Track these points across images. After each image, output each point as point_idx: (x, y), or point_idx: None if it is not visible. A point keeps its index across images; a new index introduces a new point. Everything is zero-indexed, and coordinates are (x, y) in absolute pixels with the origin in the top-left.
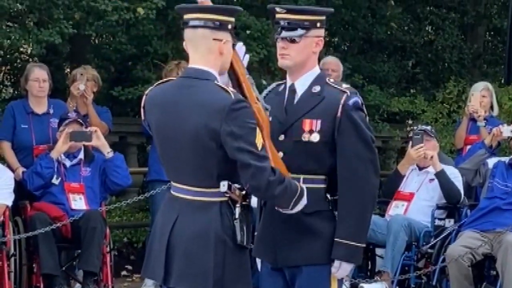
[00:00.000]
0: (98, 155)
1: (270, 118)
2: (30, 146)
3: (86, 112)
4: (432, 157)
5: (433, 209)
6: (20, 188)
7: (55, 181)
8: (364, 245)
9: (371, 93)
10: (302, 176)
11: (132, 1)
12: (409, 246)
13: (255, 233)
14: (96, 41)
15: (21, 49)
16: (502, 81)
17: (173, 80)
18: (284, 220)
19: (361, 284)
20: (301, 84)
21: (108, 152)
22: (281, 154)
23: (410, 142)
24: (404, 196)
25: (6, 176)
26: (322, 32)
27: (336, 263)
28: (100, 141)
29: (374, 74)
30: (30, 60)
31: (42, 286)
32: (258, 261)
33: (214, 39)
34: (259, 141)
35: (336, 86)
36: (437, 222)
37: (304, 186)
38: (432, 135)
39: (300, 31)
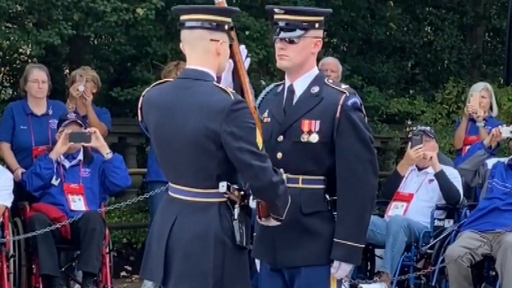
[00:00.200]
0: (97, 156)
1: (269, 119)
2: (29, 147)
3: (85, 113)
4: (431, 157)
5: (432, 209)
6: (19, 189)
7: (55, 182)
8: (363, 246)
9: (370, 94)
10: (301, 177)
11: (131, 2)
12: (409, 247)
13: (254, 234)
14: (95, 42)
15: (20, 50)
16: (501, 81)
17: (171, 81)
18: (283, 221)
19: (361, 285)
20: (300, 84)
21: (107, 153)
22: (280, 154)
23: (410, 143)
24: (404, 197)
25: (6, 177)
26: (320, 33)
27: (335, 263)
28: (99, 142)
29: (373, 75)
30: (29, 61)
31: (41, 287)
32: (257, 262)
33: (211, 40)
34: (259, 141)
35: (334, 86)
36: (437, 222)
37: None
38: (432, 136)
39: (298, 32)
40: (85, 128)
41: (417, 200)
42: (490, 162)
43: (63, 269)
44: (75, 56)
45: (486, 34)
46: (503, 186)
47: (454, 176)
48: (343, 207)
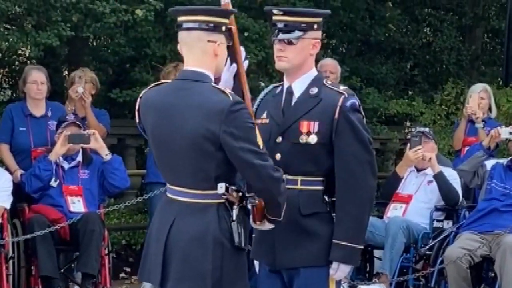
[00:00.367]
0: (96, 158)
1: (268, 120)
2: (28, 148)
3: (84, 114)
4: (430, 159)
5: (431, 211)
6: (18, 190)
7: (54, 183)
8: (362, 247)
9: (369, 96)
10: (299, 178)
11: (130, 3)
12: (408, 248)
13: (253, 235)
14: (94, 43)
15: (19, 52)
16: (500, 82)
17: (169, 83)
18: (282, 222)
19: (360, 286)
20: (299, 86)
21: (106, 154)
22: (278, 156)
23: (408, 144)
24: (402, 198)
25: (5, 179)
26: (319, 34)
27: (334, 264)
28: (98, 144)
29: (372, 76)
30: (28, 62)
31: None
32: (256, 263)
33: (208, 41)
34: (260, 140)
35: (333, 87)
36: (435, 224)
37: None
38: (430, 137)
39: (297, 33)
40: (84, 130)
41: (416, 201)
42: (489, 163)
43: (62, 270)
44: (74, 58)
45: (485, 35)
46: (502, 187)
47: (453, 177)
48: (342, 208)
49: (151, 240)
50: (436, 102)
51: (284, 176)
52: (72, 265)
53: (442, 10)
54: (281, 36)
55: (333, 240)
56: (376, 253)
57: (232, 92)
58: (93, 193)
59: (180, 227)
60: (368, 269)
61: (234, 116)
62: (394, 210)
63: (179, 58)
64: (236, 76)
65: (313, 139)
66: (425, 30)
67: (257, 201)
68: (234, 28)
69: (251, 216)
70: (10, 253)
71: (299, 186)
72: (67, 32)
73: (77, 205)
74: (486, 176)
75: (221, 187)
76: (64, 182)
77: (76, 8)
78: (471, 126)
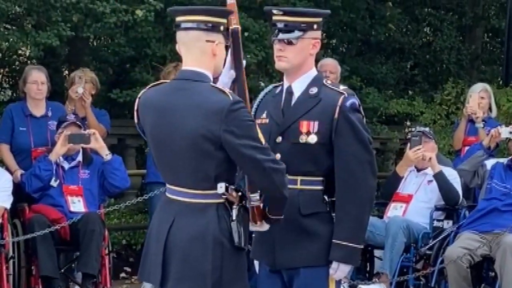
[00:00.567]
0: (96, 158)
1: (267, 120)
2: (28, 148)
3: (84, 114)
4: (430, 158)
5: (431, 210)
6: (18, 190)
7: (54, 183)
8: (362, 247)
9: (369, 95)
10: (299, 178)
11: (130, 3)
12: (408, 248)
13: (253, 235)
14: (94, 44)
15: (19, 52)
16: (501, 82)
17: (168, 83)
18: (282, 222)
19: (360, 286)
20: (298, 86)
21: (106, 154)
22: (278, 156)
23: (408, 144)
24: (403, 198)
25: (5, 179)
26: (319, 34)
27: (334, 264)
28: (98, 144)
29: (372, 76)
30: (28, 62)
31: None
32: (256, 263)
33: (207, 41)
34: (261, 136)
35: (333, 87)
36: (436, 223)
37: None
38: (431, 137)
39: (297, 33)
40: (84, 130)
41: (416, 201)
42: (489, 163)
43: (62, 270)
44: (74, 58)
45: (485, 34)
46: (502, 187)
47: (453, 177)
48: (341, 208)
49: (151, 240)
50: (436, 101)
51: None
52: (73, 265)
53: (442, 10)
54: (281, 36)
55: (333, 240)
56: (376, 253)
57: (232, 92)
58: (93, 193)
59: (180, 227)
60: (368, 269)
61: (234, 115)
62: (394, 210)
63: (179, 58)
64: (236, 82)
65: (312, 139)
66: (425, 29)
67: (258, 203)
68: (238, 28)
69: (250, 217)
70: (11, 253)
71: (299, 186)
72: (67, 32)
73: (77, 205)
74: (486, 176)
75: (221, 187)
76: (64, 182)
77: (76, 8)
78: (471, 126)
